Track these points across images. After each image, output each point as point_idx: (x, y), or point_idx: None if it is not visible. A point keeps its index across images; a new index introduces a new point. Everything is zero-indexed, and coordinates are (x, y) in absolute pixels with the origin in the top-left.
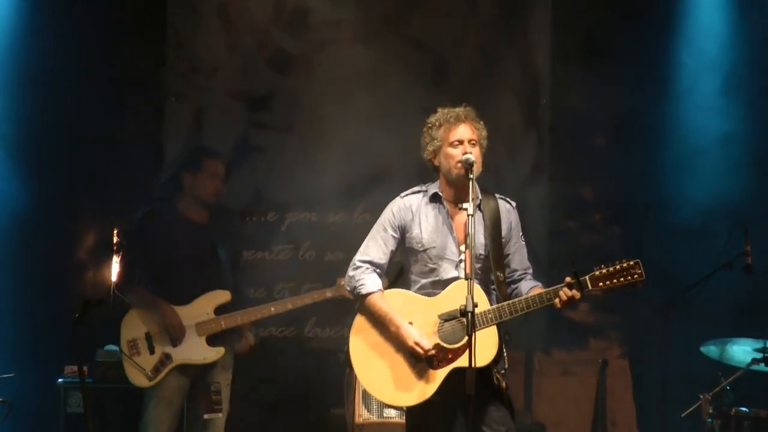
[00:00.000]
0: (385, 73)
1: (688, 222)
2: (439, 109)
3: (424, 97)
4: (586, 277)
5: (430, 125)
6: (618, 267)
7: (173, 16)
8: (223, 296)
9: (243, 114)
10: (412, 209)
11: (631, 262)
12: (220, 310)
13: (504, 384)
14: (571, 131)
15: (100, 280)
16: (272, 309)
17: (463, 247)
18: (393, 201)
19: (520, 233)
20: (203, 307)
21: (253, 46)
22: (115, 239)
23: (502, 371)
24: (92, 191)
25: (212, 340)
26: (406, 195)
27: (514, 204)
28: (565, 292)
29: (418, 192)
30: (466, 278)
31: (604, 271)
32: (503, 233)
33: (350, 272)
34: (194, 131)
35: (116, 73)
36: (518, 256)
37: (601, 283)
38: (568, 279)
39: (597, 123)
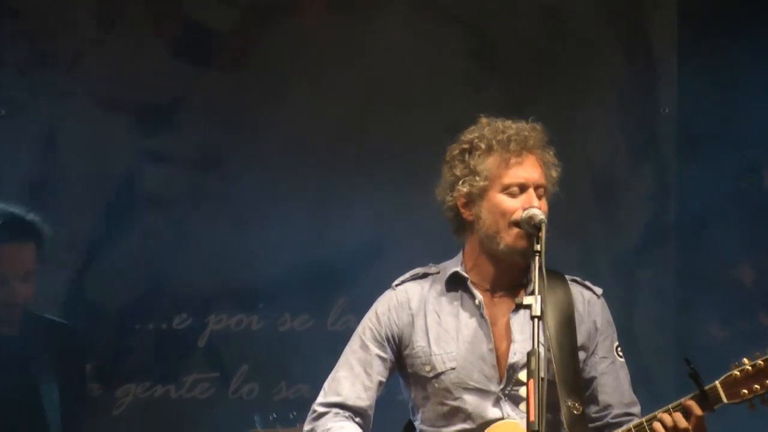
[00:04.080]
0: (384, 66)
1: None
2: (484, 119)
3: (453, 106)
4: (717, 384)
5: (467, 146)
6: None
7: None
8: None
9: (128, 137)
10: (412, 306)
11: None
12: None
13: None
14: (716, 165)
15: None
16: None
17: (512, 368)
18: (381, 296)
19: (615, 343)
20: None
21: (146, 19)
22: None
23: None
24: None
25: None
26: (403, 283)
27: (599, 292)
28: (671, 418)
29: (424, 276)
30: (531, 430)
31: (748, 368)
32: (580, 340)
33: (307, 426)
34: (41, 164)
35: None
36: (611, 380)
37: (745, 390)
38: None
39: (761, 150)
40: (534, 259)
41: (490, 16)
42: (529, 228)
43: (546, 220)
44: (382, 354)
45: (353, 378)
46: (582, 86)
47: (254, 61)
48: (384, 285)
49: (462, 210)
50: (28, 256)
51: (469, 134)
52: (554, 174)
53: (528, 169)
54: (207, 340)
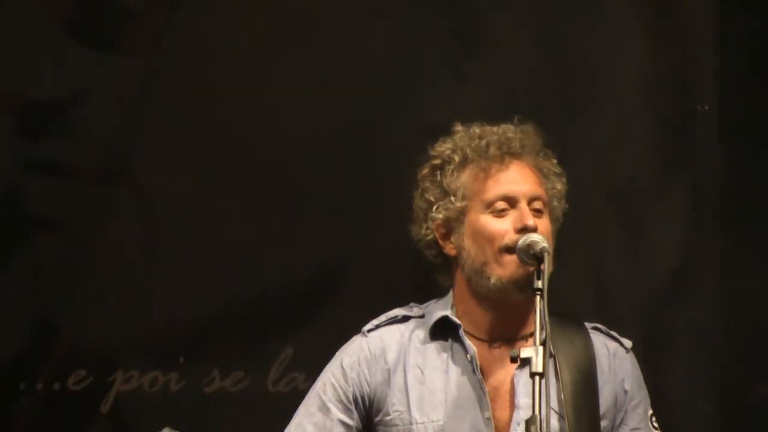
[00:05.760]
0: (341, 53)
1: None
2: (459, 126)
3: (432, 102)
4: None
5: (438, 161)
6: None
7: None
8: None
9: (10, 141)
10: (388, 358)
11: None
12: None
13: None
14: None
15: None
16: None
17: None
18: (348, 343)
19: (649, 411)
20: None
21: None
22: None
23: None
24: None
25: None
26: (377, 328)
27: (628, 345)
28: None
29: (404, 320)
30: None
31: None
32: (604, 406)
33: None
34: None
35: None
36: None
37: None
38: None
39: None
40: (536, 300)
41: None
42: (528, 259)
43: (549, 249)
44: (347, 420)
45: None
46: (597, 76)
47: (174, 45)
48: (341, 333)
49: (442, 244)
50: None
51: (440, 147)
52: (558, 186)
53: (515, 178)
54: (112, 405)
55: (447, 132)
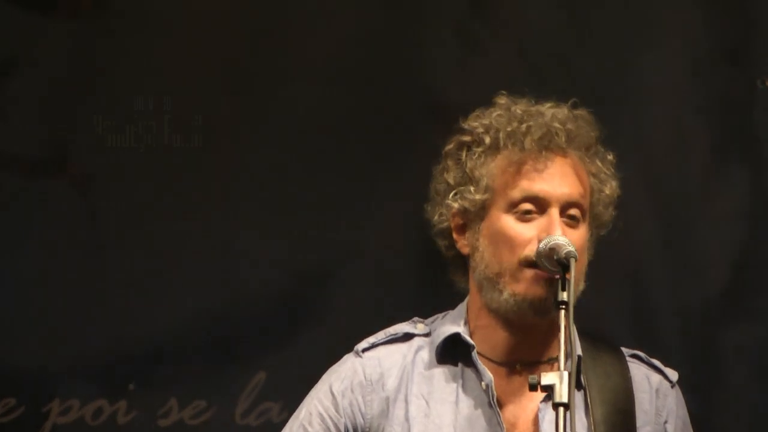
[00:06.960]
0: (330, 18)
1: None
2: (502, 99)
3: (439, 77)
4: None
5: (467, 138)
6: None
7: None
8: None
9: None
10: (387, 385)
11: None
12: None
13: None
14: None
15: None
16: None
17: None
18: (338, 364)
19: None
20: None
21: None
22: None
23: None
24: None
25: None
26: (373, 347)
27: (674, 378)
28: None
29: (407, 338)
30: None
31: None
32: None
33: None
34: None
35: None
36: None
37: None
38: None
39: None
40: (559, 316)
41: None
42: (550, 266)
43: (577, 255)
44: None
45: None
46: (635, 47)
47: (122, 4)
48: (323, 355)
49: (456, 237)
50: None
51: (473, 121)
52: (607, 190)
53: (552, 178)
54: None
55: (453, 118)
